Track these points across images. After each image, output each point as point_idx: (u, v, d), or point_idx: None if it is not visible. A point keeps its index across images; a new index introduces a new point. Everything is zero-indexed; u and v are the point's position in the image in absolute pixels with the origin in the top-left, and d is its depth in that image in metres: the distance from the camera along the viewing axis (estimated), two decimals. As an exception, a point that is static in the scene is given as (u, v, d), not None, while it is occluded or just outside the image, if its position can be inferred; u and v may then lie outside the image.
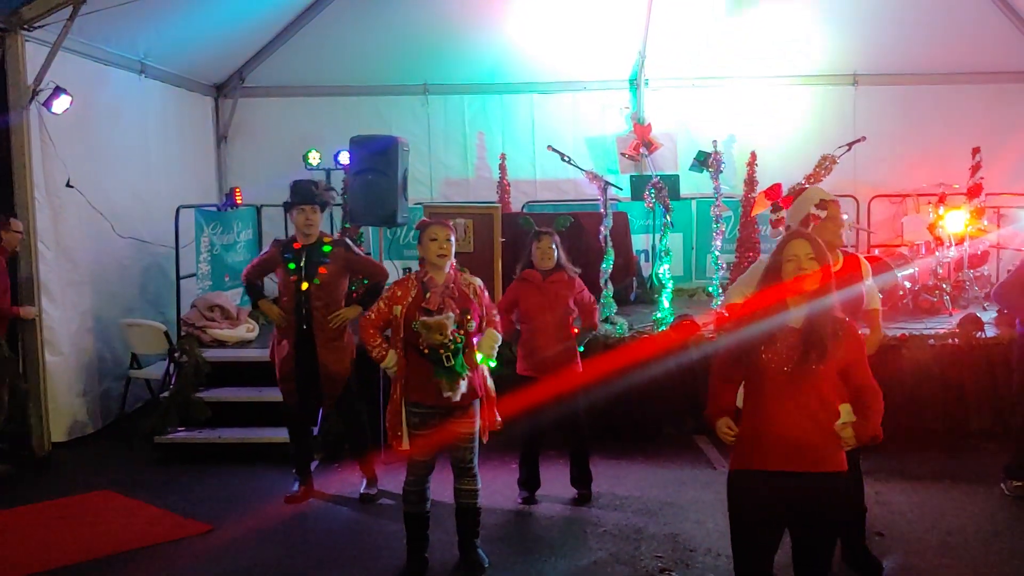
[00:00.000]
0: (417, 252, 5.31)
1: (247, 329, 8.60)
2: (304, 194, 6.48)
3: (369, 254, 8.33)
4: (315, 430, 7.23)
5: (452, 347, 4.94)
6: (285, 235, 10.89)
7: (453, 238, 5.22)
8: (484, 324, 5.31)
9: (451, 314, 5.00)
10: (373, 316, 5.24)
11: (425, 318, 4.96)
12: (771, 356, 3.70)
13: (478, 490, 5.34)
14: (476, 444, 5.27)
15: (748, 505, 3.77)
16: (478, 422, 5.24)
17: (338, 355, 6.50)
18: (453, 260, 5.25)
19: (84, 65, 8.42)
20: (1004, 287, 6.46)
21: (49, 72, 7.60)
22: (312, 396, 6.61)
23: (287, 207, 6.62)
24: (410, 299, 5.12)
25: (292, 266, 6.43)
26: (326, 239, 6.55)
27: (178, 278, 8.54)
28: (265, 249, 6.93)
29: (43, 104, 7.61)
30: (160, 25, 9.20)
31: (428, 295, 5.09)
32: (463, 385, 5.02)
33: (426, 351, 4.96)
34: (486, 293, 5.39)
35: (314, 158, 10.60)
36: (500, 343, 5.43)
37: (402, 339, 5.13)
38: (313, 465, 7.01)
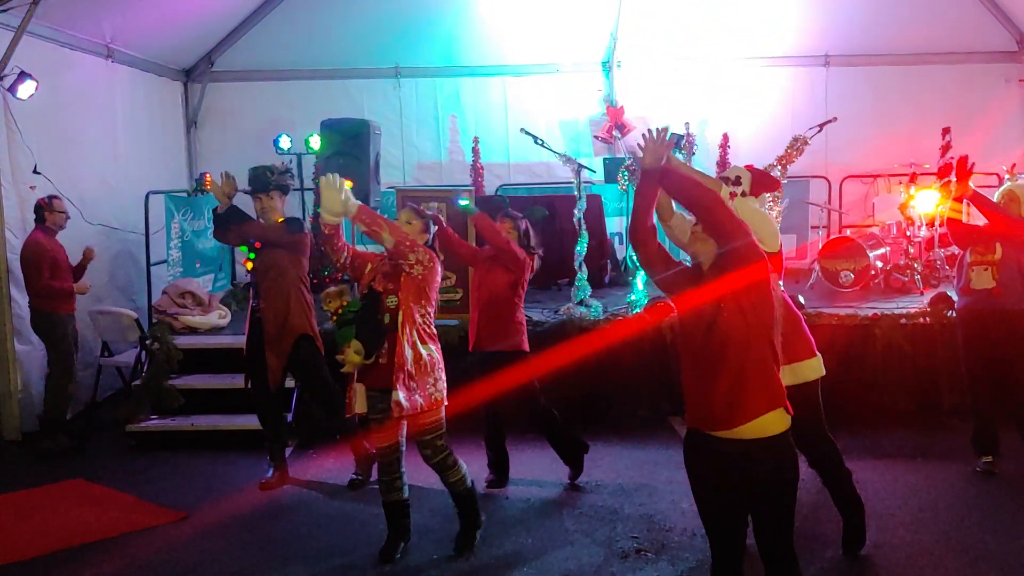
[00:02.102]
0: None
1: (219, 316, 8.54)
2: (259, 182, 6.46)
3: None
4: (288, 416, 7.19)
5: (340, 317, 5.24)
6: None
7: (417, 222, 5.25)
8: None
9: (345, 287, 5.28)
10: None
11: (327, 289, 5.34)
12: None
13: (462, 477, 5.33)
14: (436, 440, 5.18)
15: (688, 461, 3.82)
16: (431, 423, 5.17)
17: (283, 329, 6.37)
18: (421, 239, 5.24)
19: (49, 50, 8.31)
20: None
21: (13, 57, 7.49)
22: (267, 377, 6.54)
23: (249, 194, 6.57)
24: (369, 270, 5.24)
25: (243, 248, 6.53)
26: (279, 220, 6.49)
27: (148, 265, 8.47)
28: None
29: (8, 89, 7.52)
30: (127, 9, 9.10)
31: (369, 267, 5.20)
32: (349, 354, 4.98)
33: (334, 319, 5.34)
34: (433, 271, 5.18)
35: (285, 142, 10.51)
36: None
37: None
38: (287, 451, 6.97)
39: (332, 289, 5.31)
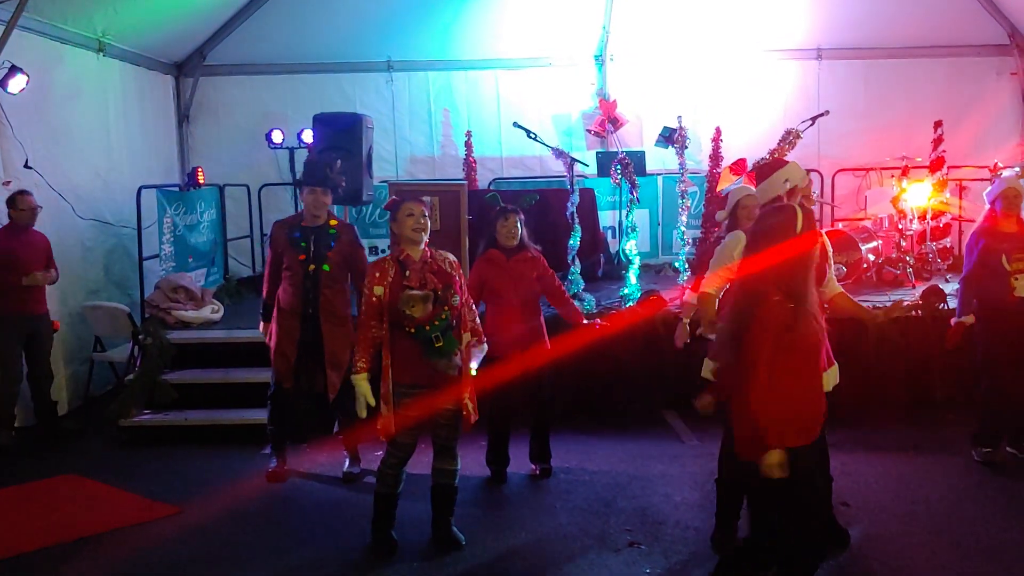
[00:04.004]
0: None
1: (212, 310, 8.51)
2: (318, 175, 6.35)
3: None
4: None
5: (438, 325, 4.92)
6: (249, 215, 10.87)
7: (428, 213, 5.19)
8: (466, 317, 5.22)
9: (430, 292, 4.96)
10: (363, 310, 5.10)
11: (410, 292, 4.92)
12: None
13: (457, 470, 5.34)
14: (459, 423, 5.23)
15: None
16: (466, 400, 5.21)
17: (343, 341, 6.31)
18: (427, 237, 5.21)
19: (40, 44, 8.27)
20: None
21: (4, 51, 7.45)
22: (310, 381, 6.44)
23: (298, 185, 6.43)
24: (390, 279, 5.05)
25: (303, 244, 6.29)
26: (332, 221, 6.43)
27: (141, 259, 8.45)
28: (268, 235, 6.71)
29: (-2, 84, 7.48)
30: (118, 2, 9.06)
31: (408, 273, 5.05)
32: (458, 360, 5.04)
33: (412, 331, 4.92)
34: (462, 274, 5.33)
35: (277, 137, 10.50)
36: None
37: (388, 321, 5.04)
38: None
39: (417, 293, 4.93)
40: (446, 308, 5.00)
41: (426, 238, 5.17)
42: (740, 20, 11.38)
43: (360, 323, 5.14)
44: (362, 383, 5.09)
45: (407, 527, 5.47)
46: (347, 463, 6.67)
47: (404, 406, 5.08)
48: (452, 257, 5.31)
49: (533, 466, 6.58)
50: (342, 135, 7.69)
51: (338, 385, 6.38)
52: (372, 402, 5.08)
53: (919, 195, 9.60)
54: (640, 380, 7.91)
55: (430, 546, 5.34)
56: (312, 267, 6.28)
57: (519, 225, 6.30)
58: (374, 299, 5.05)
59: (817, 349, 3.88)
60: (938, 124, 10.68)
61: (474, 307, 5.39)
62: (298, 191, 6.48)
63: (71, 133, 8.81)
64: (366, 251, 6.70)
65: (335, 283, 6.36)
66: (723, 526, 5.23)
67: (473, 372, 5.23)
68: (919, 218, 9.83)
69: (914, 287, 8.94)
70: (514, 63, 11.85)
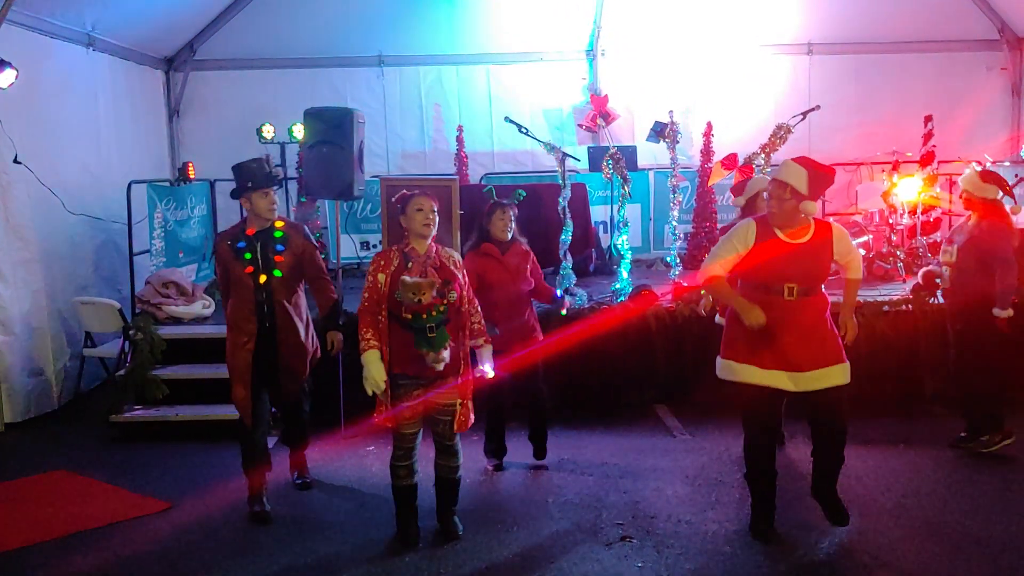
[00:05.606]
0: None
1: (203, 306, 8.50)
2: (266, 176, 5.93)
3: (326, 249, 7.77)
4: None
5: (435, 316, 4.94)
6: (240, 210, 10.82)
7: (437, 209, 5.21)
8: (468, 309, 5.26)
9: (433, 280, 4.99)
10: (367, 296, 5.12)
11: (405, 277, 4.96)
12: None
13: (459, 465, 5.38)
14: (456, 420, 5.24)
15: None
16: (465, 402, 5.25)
17: (300, 353, 6.00)
18: (434, 232, 5.23)
19: (29, 38, 8.23)
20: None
21: (-8, 46, 7.43)
22: (266, 396, 6.06)
23: (240, 193, 5.94)
24: (393, 268, 5.09)
25: (248, 256, 5.78)
26: (278, 223, 5.96)
27: (131, 255, 8.42)
28: (212, 252, 6.24)
29: (-14, 78, 7.44)
30: (108, -4, 9.04)
31: (410, 264, 5.09)
32: (446, 355, 5.02)
33: (408, 316, 4.94)
34: (465, 274, 5.33)
35: (268, 131, 10.46)
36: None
37: (386, 310, 5.07)
38: (272, 442, 6.81)
39: (423, 280, 4.91)
40: (443, 302, 5.02)
41: (433, 233, 5.20)
42: (731, 15, 11.41)
43: (364, 309, 5.13)
44: (375, 361, 5.00)
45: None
46: (296, 475, 6.44)
47: (401, 398, 5.10)
48: (457, 256, 5.35)
49: (536, 461, 6.62)
50: (333, 130, 7.64)
51: (294, 395, 6.11)
52: (381, 385, 5.00)
53: (909, 190, 9.62)
54: (631, 375, 7.92)
55: (424, 539, 5.35)
56: (263, 277, 5.78)
57: (513, 223, 6.31)
58: (377, 286, 5.08)
59: None
60: (928, 119, 10.72)
61: (478, 308, 5.40)
62: (244, 200, 5.94)
63: (60, 128, 8.77)
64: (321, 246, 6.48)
65: (290, 290, 5.92)
66: (762, 515, 5.29)
67: (491, 373, 5.32)
68: (909, 212, 9.86)
69: (904, 281, 8.96)
70: (505, 58, 11.87)
